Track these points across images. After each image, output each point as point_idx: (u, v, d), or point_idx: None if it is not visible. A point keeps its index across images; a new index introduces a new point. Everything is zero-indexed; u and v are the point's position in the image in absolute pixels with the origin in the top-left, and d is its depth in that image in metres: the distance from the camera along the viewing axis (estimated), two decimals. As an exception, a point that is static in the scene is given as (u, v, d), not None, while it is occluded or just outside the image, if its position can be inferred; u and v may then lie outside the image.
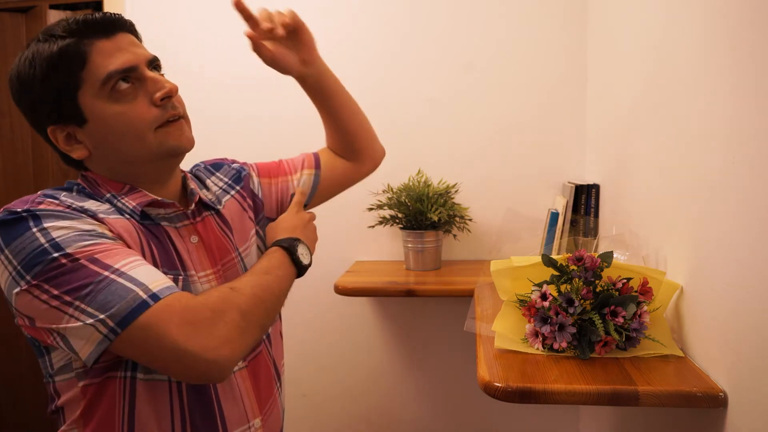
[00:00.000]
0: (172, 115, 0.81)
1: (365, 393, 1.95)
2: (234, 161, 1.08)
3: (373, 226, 1.81)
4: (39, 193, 0.77)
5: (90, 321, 0.67)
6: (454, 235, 1.83)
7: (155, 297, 0.68)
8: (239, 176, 1.03)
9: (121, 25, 0.82)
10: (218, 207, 0.94)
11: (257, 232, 1.01)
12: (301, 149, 2.06)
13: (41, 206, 0.73)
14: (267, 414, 0.92)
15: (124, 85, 0.78)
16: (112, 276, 0.68)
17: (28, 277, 0.69)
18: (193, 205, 0.89)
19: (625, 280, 0.93)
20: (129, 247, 0.76)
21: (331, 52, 1.88)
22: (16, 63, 0.80)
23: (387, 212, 1.77)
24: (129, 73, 0.78)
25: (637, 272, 0.95)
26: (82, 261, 0.69)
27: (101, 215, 0.77)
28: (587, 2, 1.74)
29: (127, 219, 0.80)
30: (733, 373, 0.78)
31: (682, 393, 0.79)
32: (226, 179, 1.02)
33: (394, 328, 1.92)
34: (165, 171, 0.86)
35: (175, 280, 0.80)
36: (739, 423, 0.77)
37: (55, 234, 0.70)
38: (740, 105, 0.78)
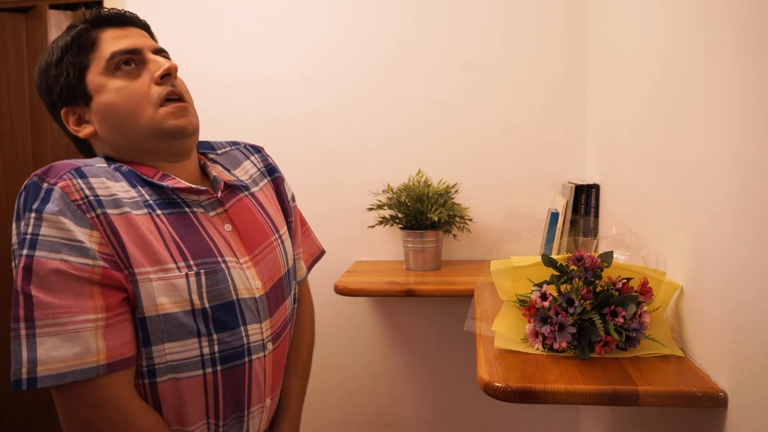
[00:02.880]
0: (171, 92, 0.85)
1: (365, 393, 1.95)
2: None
3: (373, 226, 1.81)
4: (76, 165, 0.77)
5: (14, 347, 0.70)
6: (454, 235, 1.83)
7: (32, 382, 0.68)
8: (274, 171, 1.06)
9: (134, 22, 0.89)
10: (254, 189, 0.97)
11: (287, 229, 1.03)
12: (299, 151, 2.05)
13: (60, 185, 0.74)
14: (275, 394, 0.96)
15: (127, 66, 0.84)
16: (22, 332, 0.69)
17: (25, 251, 0.72)
18: (220, 193, 0.90)
19: (625, 280, 0.93)
20: (120, 247, 0.75)
21: (332, 52, 1.89)
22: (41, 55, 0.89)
23: (387, 212, 1.78)
24: (133, 55, 0.84)
25: (637, 272, 0.95)
26: (32, 281, 0.70)
27: (124, 209, 0.77)
28: (587, 2, 1.74)
29: (152, 214, 0.80)
30: (733, 373, 0.78)
31: (682, 393, 0.79)
32: (263, 165, 1.05)
33: (394, 328, 1.92)
34: (167, 153, 0.87)
35: (214, 268, 0.82)
36: (739, 423, 0.77)
37: (43, 230, 0.71)
38: (741, 104, 0.78)
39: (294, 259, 1.03)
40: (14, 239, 0.74)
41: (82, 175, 0.76)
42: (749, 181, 0.75)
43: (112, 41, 0.84)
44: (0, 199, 2.17)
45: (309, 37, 1.87)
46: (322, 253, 1.22)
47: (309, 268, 1.15)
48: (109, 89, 0.83)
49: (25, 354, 0.68)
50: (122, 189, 0.79)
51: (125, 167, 0.84)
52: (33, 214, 0.72)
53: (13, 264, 0.73)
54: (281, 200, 1.06)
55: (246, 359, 0.85)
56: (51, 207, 0.72)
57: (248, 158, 1.04)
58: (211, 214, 0.88)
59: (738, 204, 0.78)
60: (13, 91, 2.14)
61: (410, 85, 1.84)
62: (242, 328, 0.84)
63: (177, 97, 0.86)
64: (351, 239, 1.89)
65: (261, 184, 1.02)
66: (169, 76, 0.85)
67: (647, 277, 0.94)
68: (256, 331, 0.87)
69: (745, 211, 0.76)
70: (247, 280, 0.86)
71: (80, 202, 0.74)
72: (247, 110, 1.90)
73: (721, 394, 0.79)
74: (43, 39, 2.05)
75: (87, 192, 0.75)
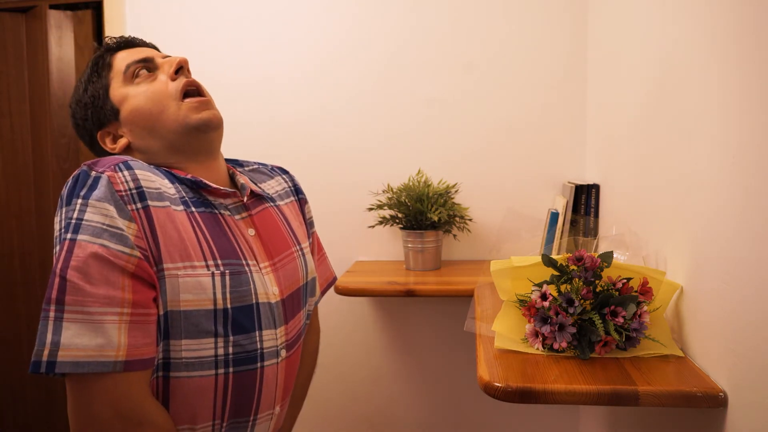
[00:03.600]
0: (187, 83, 0.90)
1: (365, 393, 1.95)
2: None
3: (373, 226, 1.81)
4: (124, 158, 0.80)
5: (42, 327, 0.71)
6: (454, 235, 1.83)
7: (51, 366, 0.69)
8: (300, 192, 1.11)
9: (143, 44, 0.97)
10: (279, 202, 1.02)
11: (309, 244, 1.07)
12: (298, 151, 2.05)
13: (107, 174, 0.76)
14: (285, 403, 0.97)
15: (144, 72, 0.90)
16: (51, 314, 0.70)
17: (68, 235, 0.74)
18: (246, 198, 0.93)
19: (625, 280, 0.93)
20: (154, 247, 0.77)
21: (332, 52, 1.89)
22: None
23: (387, 212, 1.78)
24: (146, 63, 0.91)
25: (637, 272, 0.95)
26: (71, 264, 0.71)
27: (165, 202, 0.79)
28: (587, 2, 1.74)
29: (188, 211, 0.82)
30: (733, 373, 0.78)
31: (682, 393, 0.79)
32: (291, 184, 1.10)
33: (394, 328, 1.92)
34: (196, 151, 0.90)
35: (239, 270, 0.84)
36: (739, 423, 0.77)
37: (88, 215, 0.74)
38: (741, 104, 0.78)
39: (314, 276, 1.06)
40: (58, 225, 0.75)
41: (129, 167, 0.78)
42: (749, 181, 0.75)
43: (125, 57, 0.91)
44: (0, 199, 2.17)
45: (309, 37, 1.87)
46: (335, 279, 1.25)
47: (321, 294, 1.18)
48: (131, 96, 0.89)
49: (50, 336, 0.69)
50: (165, 184, 0.82)
51: (163, 168, 0.87)
52: (80, 200, 0.74)
53: (54, 250, 0.75)
54: (303, 220, 1.10)
55: (258, 365, 0.86)
56: (97, 193, 0.74)
57: (275, 177, 1.09)
58: (237, 217, 0.90)
59: (738, 204, 0.78)
60: (13, 91, 2.14)
61: (410, 85, 1.84)
62: (257, 332, 0.86)
63: (196, 91, 0.91)
64: (351, 239, 1.89)
65: (287, 200, 1.06)
66: (182, 69, 0.91)
67: (647, 277, 0.94)
68: (270, 337, 0.88)
69: (745, 211, 0.76)
70: (265, 285, 0.89)
71: (123, 193, 0.76)
72: (248, 110, 1.89)
73: (721, 394, 0.79)
74: (43, 39, 2.05)
75: (131, 184, 0.77)
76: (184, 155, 0.90)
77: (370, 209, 1.78)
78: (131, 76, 0.89)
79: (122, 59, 0.91)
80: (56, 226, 0.76)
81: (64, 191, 0.77)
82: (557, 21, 1.76)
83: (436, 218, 1.64)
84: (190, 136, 0.88)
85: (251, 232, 0.91)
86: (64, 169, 2.13)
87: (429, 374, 1.91)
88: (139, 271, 0.74)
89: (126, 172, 0.77)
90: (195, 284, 0.79)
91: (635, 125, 1.26)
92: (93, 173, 0.76)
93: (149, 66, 0.91)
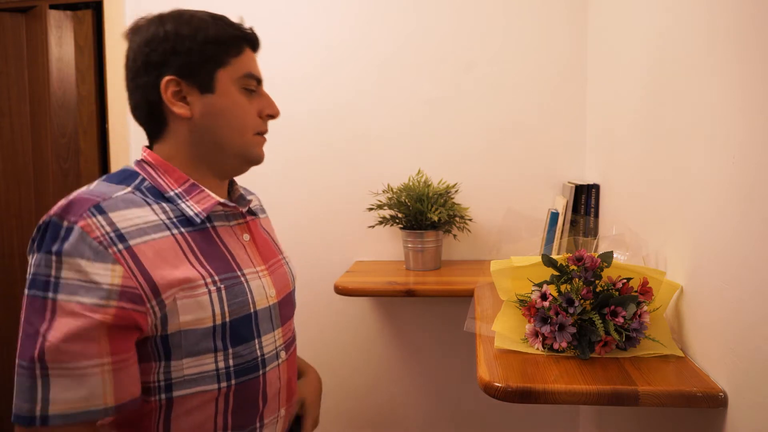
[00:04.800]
0: (265, 130, 0.93)
1: (365, 393, 1.95)
2: None
3: (373, 226, 1.81)
4: (94, 200, 0.77)
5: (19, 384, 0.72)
6: (454, 235, 1.83)
7: (44, 419, 0.70)
8: (264, 211, 1.12)
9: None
10: (261, 216, 1.04)
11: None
12: (299, 151, 2.05)
13: (80, 224, 0.73)
14: (290, 404, 0.97)
15: (253, 87, 0.90)
16: (37, 371, 0.71)
17: (26, 291, 0.75)
18: (247, 208, 0.94)
19: (625, 280, 0.93)
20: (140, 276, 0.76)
21: (332, 52, 1.89)
22: (159, 18, 0.87)
23: (387, 212, 1.78)
24: (258, 85, 0.92)
25: (637, 272, 0.95)
26: (52, 325, 0.71)
27: (146, 237, 0.77)
28: (587, 2, 1.74)
29: (175, 234, 0.81)
30: (733, 373, 0.78)
31: (682, 393, 0.79)
32: (260, 204, 1.11)
33: (394, 328, 1.92)
34: (233, 173, 0.93)
35: (234, 282, 0.84)
36: (739, 423, 0.77)
37: (63, 273, 0.72)
38: (741, 104, 0.78)
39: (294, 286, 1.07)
40: (34, 274, 0.74)
41: (101, 212, 0.76)
42: (749, 181, 0.75)
43: (250, 62, 0.91)
44: (0, 199, 2.17)
45: (309, 37, 1.87)
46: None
47: None
48: (231, 98, 0.87)
49: (39, 392, 0.71)
50: (144, 214, 0.79)
51: (147, 182, 0.84)
52: (53, 257, 0.73)
53: (26, 293, 0.74)
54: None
55: (260, 372, 0.87)
56: (68, 248, 0.73)
57: (251, 194, 1.10)
58: (232, 222, 0.91)
59: (738, 204, 0.78)
60: (13, 91, 2.14)
61: (410, 85, 1.84)
62: (257, 340, 0.87)
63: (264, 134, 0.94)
64: (351, 239, 1.89)
65: (262, 216, 1.08)
66: (272, 118, 0.93)
67: (647, 277, 0.94)
68: (270, 341, 0.90)
69: (745, 211, 0.76)
70: (263, 289, 0.89)
71: (101, 238, 0.74)
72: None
73: (721, 394, 0.79)
74: (43, 39, 2.05)
75: (107, 228, 0.75)
76: (211, 171, 0.89)
77: (370, 209, 1.78)
78: (242, 83, 0.88)
79: (248, 62, 0.90)
80: (29, 269, 0.75)
81: (35, 239, 0.75)
82: (557, 21, 1.76)
83: (436, 218, 1.64)
84: (238, 161, 0.90)
85: (246, 237, 0.92)
86: (64, 168, 2.13)
87: (429, 374, 1.92)
88: (118, 320, 0.74)
89: (100, 217, 0.75)
90: (194, 305, 0.79)
91: (635, 125, 1.26)
92: (65, 224, 0.74)
93: (257, 88, 0.91)
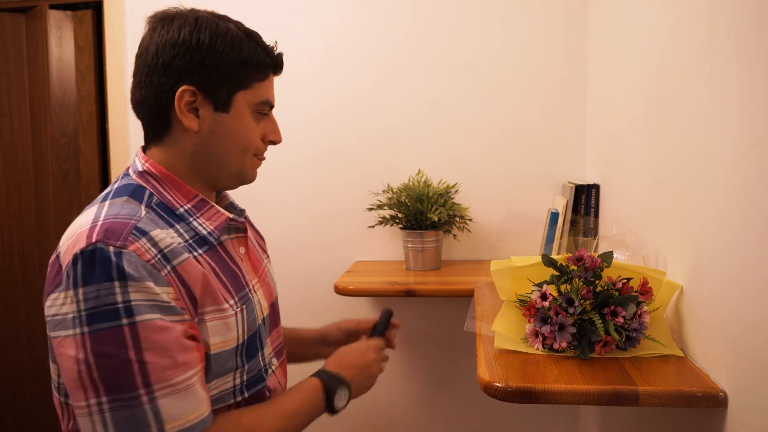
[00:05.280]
0: (263, 153, 0.92)
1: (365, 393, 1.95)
2: None
3: (373, 226, 1.81)
4: (131, 223, 0.74)
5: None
6: (454, 235, 1.83)
7: None
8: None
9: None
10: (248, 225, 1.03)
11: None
12: (299, 151, 2.04)
13: (131, 248, 0.71)
14: None
15: (265, 112, 0.89)
16: (144, 398, 0.69)
17: (86, 329, 0.68)
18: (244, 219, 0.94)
19: (625, 280, 0.93)
20: (193, 295, 0.76)
21: (333, 52, 1.89)
22: (195, 21, 0.82)
23: (387, 212, 1.78)
24: (269, 111, 0.91)
25: (637, 272, 0.95)
26: (142, 347, 0.69)
27: (180, 258, 0.76)
28: (587, 2, 1.74)
29: (196, 257, 0.79)
30: (733, 373, 0.78)
31: (682, 393, 0.79)
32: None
33: (394, 328, 1.92)
34: (223, 188, 0.92)
35: (247, 299, 0.85)
36: (739, 423, 0.77)
37: (132, 296, 0.69)
38: (741, 104, 0.78)
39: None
40: (92, 308, 0.69)
41: (143, 232, 0.74)
42: (749, 181, 0.75)
43: (269, 88, 0.90)
44: (0, 199, 2.17)
45: (309, 37, 1.87)
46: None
47: None
48: (243, 121, 0.86)
49: (151, 417, 0.69)
50: (168, 235, 0.77)
51: (156, 198, 0.82)
52: (116, 283, 0.69)
53: (83, 330, 0.68)
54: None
55: (264, 382, 0.88)
56: (131, 272, 0.70)
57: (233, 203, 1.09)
58: (232, 236, 0.90)
59: (738, 204, 0.78)
60: (13, 91, 2.14)
61: (410, 85, 1.84)
62: (260, 352, 0.88)
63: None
64: (351, 239, 1.89)
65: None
66: (274, 144, 0.93)
67: (647, 277, 0.94)
68: (268, 351, 0.92)
69: (745, 211, 0.76)
70: (260, 302, 0.90)
71: (153, 261, 0.72)
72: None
73: (721, 394, 0.79)
74: (43, 39, 2.05)
75: (154, 251, 0.73)
76: (204, 183, 0.88)
77: (370, 209, 1.78)
78: (257, 108, 0.87)
79: (268, 89, 0.89)
80: (76, 305, 0.69)
81: (76, 272, 0.69)
82: (557, 21, 1.76)
83: (436, 218, 1.64)
84: (234, 182, 0.90)
85: (242, 250, 0.91)
86: (64, 168, 2.13)
87: (429, 374, 1.91)
88: (193, 332, 0.75)
89: (144, 239, 0.73)
90: (222, 326, 0.79)
91: (635, 125, 1.26)
92: (112, 249, 0.70)
93: (268, 113, 0.91)
